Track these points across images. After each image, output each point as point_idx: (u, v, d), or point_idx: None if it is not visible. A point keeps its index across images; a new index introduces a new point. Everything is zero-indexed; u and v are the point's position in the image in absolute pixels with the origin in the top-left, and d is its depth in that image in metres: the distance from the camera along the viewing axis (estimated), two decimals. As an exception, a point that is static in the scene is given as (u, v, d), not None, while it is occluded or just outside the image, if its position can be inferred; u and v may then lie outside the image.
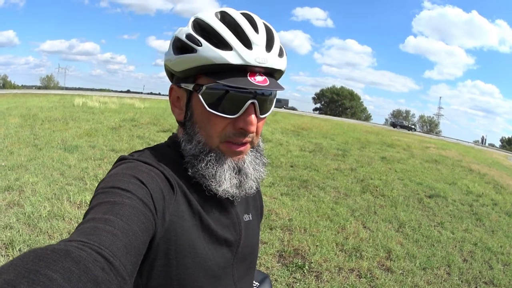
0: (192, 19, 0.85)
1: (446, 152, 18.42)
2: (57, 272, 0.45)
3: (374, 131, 26.53)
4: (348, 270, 3.96)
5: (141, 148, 0.91)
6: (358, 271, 3.97)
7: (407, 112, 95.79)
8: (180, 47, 0.83)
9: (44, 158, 7.01)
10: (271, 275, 3.62)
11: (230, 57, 0.77)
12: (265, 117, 0.88)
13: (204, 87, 0.81)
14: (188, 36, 0.81)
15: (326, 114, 74.13)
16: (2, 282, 0.42)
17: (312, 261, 4.01)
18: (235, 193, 0.87)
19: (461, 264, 4.55)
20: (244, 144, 0.86)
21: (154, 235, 0.71)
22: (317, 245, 4.41)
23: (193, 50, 0.79)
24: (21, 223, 4.12)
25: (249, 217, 1.02)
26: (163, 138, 10.16)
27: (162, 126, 12.55)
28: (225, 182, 0.85)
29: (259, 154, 0.95)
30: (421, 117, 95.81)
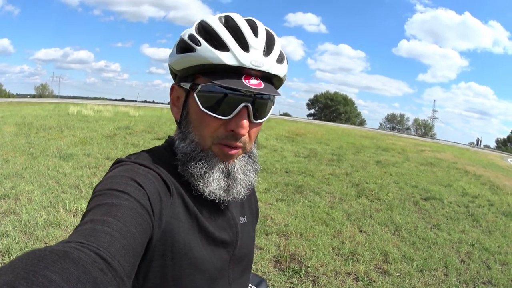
0: (197, 21, 0.87)
1: (441, 155, 18.53)
2: (56, 273, 0.45)
3: (368, 135, 26.67)
4: (345, 274, 3.96)
5: None
6: (355, 274, 3.97)
7: (402, 116, 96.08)
8: (183, 46, 0.84)
9: (39, 166, 6.98)
10: (267, 281, 3.62)
11: (226, 58, 0.78)
12: (260, 122, 0.89)
13: (199, 87, 0.82)
14: (190, 36, 0.83)
15: (320, 119, 74.27)
16: (2, 283, 0.42)
17: (309, 265, 4.01)
18: (223, 196, 0.87)
19: (459, 265, 4.57)
20: (236, 148, 0.86)
21: (151, 236, 0.71)
22: (313, 250, 4.41)
23: (192, 50, 0.81)
24: (18, 231, 4.10)
25: (244, 219, 1.03)
26: (158, 145, 10.14)
27: (157, 134, 12.54)
28: (212, 183, 0.85)
29: (251, 160, 0.94)
30: (416, 120, 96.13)
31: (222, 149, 0.85)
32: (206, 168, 0.84)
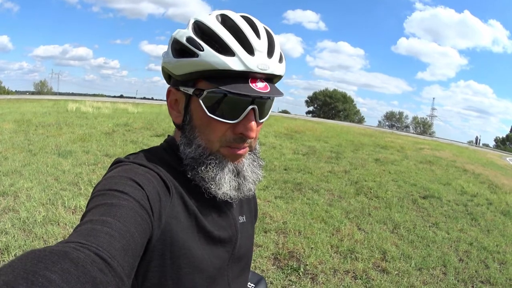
0: (191, 21, 0.83)
1: (440, 153, 18.51)
2: (55, 273, 0.45)
3: (367, 133, 26.63)
4: (344, 271, 3.97)
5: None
6: (354, 272, 3.98)
7: (400, 114, 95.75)
8: (180, 50, 0.82)
9: (38, 163, 6.97)
10: (266, 278, 3.62)
11: (233, 63, 0.76)
12: (263, 121, 0.88)
13: (205, 92, 0.80)
14: (189, 40, 0.80)
15: (319, 117, 73.97)
16: (1, 283, 0.42)
17: (307, 263, 4.02)
18: (234, 195, 0.87)
19: (457, 263, 4.57)
20: (244, 148, 0.87)
21: (150, 236, 0.71)
22: (312, 248, 4.41)
23: (194, 55, 0.78)
24: (17, 228, 4.10)
25: (243, 218, 1.03)
26: (156, 142, 10.09)
27: (156, 131, 12.53)
28: (224, 185, 0.85)
29: (256, 157, 0.95)
30: (415, 118, 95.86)
31: (231, 151, 0.85)
32: (217, 171, 0.85)
